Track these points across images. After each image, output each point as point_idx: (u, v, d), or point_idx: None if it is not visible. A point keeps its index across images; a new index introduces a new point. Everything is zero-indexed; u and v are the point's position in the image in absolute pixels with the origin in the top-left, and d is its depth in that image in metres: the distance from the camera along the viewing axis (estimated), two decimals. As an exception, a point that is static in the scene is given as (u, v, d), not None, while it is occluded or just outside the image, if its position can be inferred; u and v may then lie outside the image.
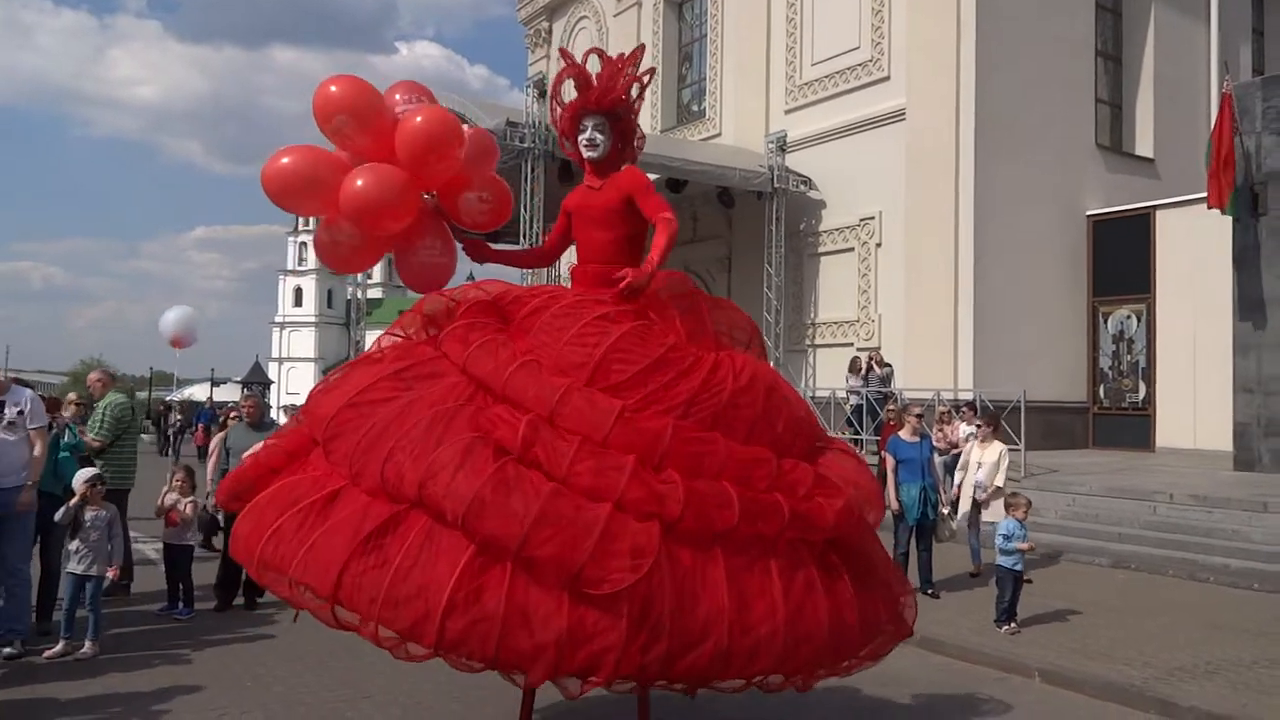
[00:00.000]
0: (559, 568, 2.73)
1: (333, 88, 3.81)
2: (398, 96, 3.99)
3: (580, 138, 3.91)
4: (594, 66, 3.96)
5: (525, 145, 14.35)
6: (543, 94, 15.79)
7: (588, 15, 23.30)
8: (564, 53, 3.99)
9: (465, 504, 2.76)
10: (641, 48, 4.25)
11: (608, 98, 3.84)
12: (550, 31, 24.80)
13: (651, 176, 18.21)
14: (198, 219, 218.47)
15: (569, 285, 4.00)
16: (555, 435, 2.96)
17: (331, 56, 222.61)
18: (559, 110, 4.01)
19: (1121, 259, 15.42)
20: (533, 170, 14.50)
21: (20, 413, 5.85)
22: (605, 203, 3.84)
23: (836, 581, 3.22)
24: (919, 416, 8.19)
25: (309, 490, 3.11)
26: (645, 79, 3.98)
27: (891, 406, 11.42)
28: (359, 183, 3.70)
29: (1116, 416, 15.53)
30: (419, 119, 3.80)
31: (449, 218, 4.07)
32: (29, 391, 6.22)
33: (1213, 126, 12.41)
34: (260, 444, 3.72)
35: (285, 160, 3.82)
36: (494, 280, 3.85)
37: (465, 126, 4.03)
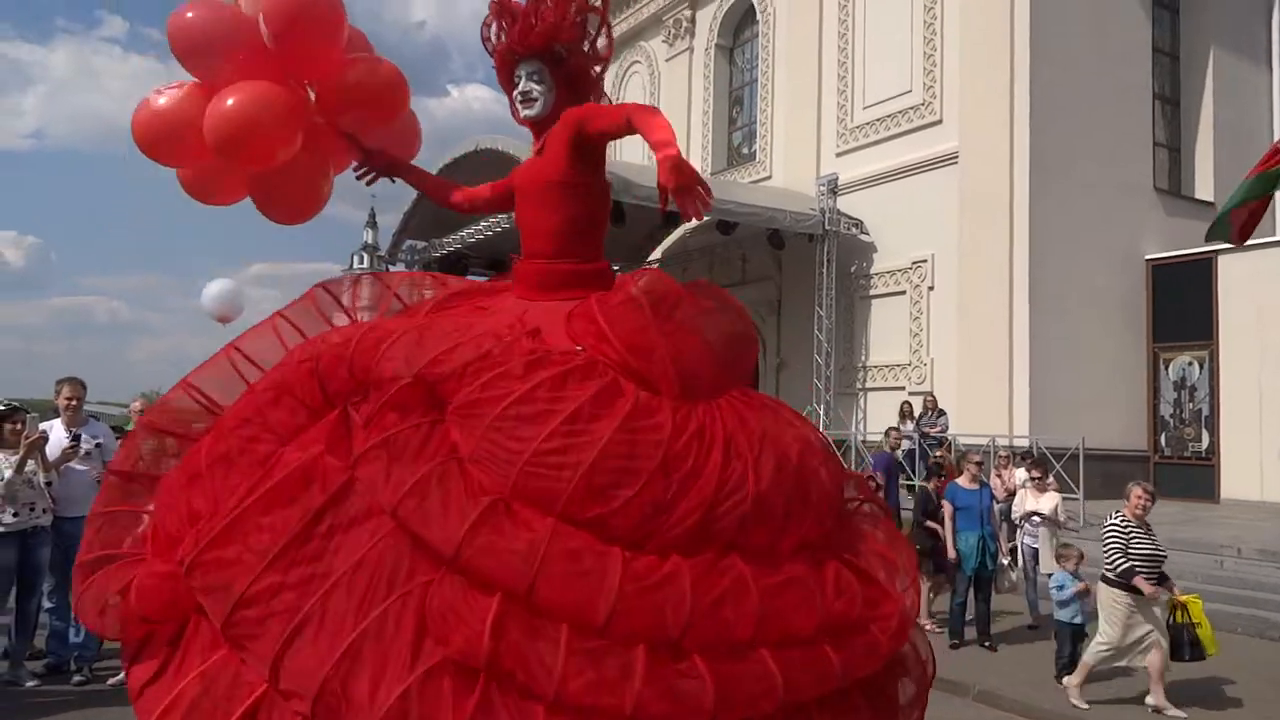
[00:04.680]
0: None
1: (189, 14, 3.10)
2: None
3: (514, 93, 2.90)
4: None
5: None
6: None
7: (640, 60, 23.68)
8: None
9: None
10: None
11: (535, 32, 2.79)
12: (602, 77, 25.14)
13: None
14: (255, 255, 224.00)
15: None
16: (533, 628, 2.03)
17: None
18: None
19: (1182, 304, 15.12)
20: (586, 212, 14.65)
21: (98, 445, 6.06)
22: (544, 174, 2.81)
23: None
24: (979, 464, 8.09)
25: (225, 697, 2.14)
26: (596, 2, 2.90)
27: (941, 452, 11.28)
28: (229, 102, 3.02)
29: (1179, 466, 15.14)
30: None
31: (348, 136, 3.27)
32: (105, 426, 6.45)
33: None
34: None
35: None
36: (426, 274, 2.89)
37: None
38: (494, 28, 2.91)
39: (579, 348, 2.45)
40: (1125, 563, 6.05)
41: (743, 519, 2.23)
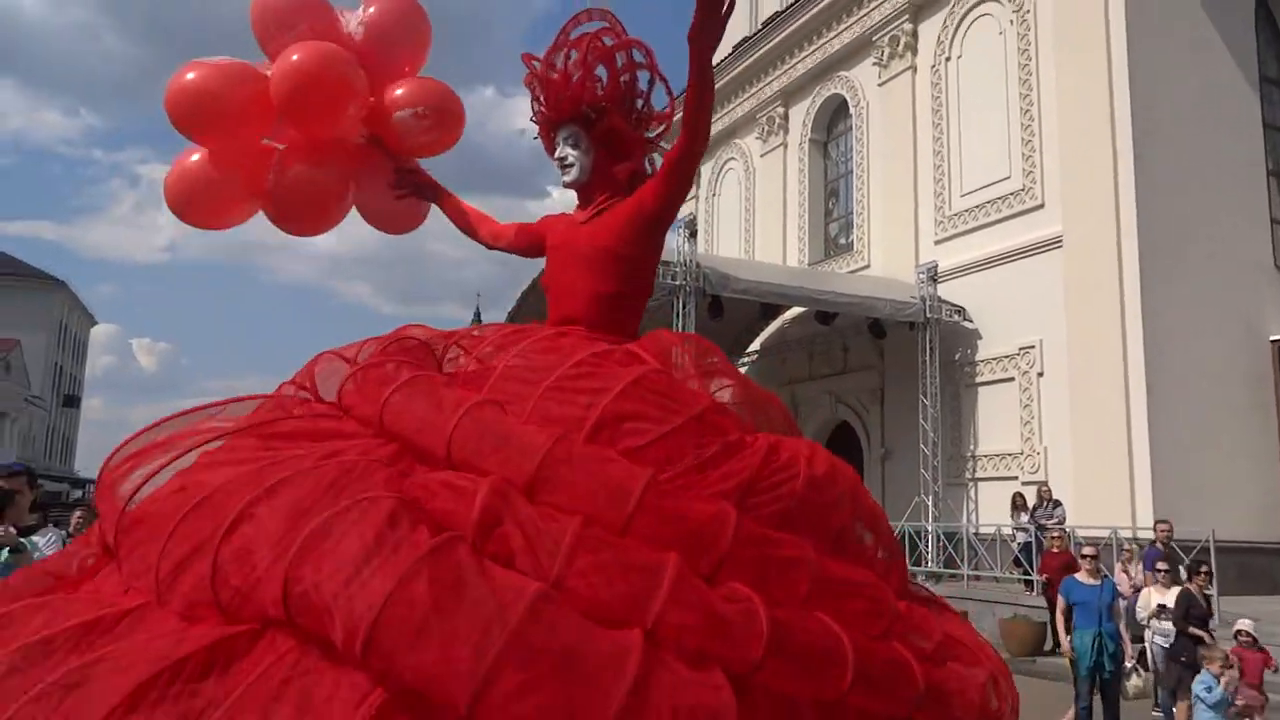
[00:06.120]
0: None
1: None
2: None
3: (554, 159, 2.85)
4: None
5: (676, 283, 14.81)
6: (693, 234, 16.34)
7: (735, 157, 24.19)
8: (525, 58, 2.93)
9: (371, 618, 1.41)
10: (604, 12, 2.84)
11: (566, 98, 2.73)
12: (699, 173, 25.78)
13: (798, 310, 18.23)
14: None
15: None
16: (538, 512, 1.67)
17: (489, 201, 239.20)
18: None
19: (1316, 386, 14.28)
20: (684, 307, 14.91)
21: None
22: (595, 241, 2.67)
23: None
24: (1094, 557, 7.70)
25: (78, 609, 1.64)
26: (633, 56, 2.78)
27: (1055, 535, 10.82)
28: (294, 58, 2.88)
29: (1324, 559, 14.05)
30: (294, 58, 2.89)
31: (388, 152, 3.18)
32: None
33: None
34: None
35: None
36: (424, 327, 2.44)
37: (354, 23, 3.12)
38: (535, 101, 2.89)
39: None
40: None
41: (791, 504, 1.88)
